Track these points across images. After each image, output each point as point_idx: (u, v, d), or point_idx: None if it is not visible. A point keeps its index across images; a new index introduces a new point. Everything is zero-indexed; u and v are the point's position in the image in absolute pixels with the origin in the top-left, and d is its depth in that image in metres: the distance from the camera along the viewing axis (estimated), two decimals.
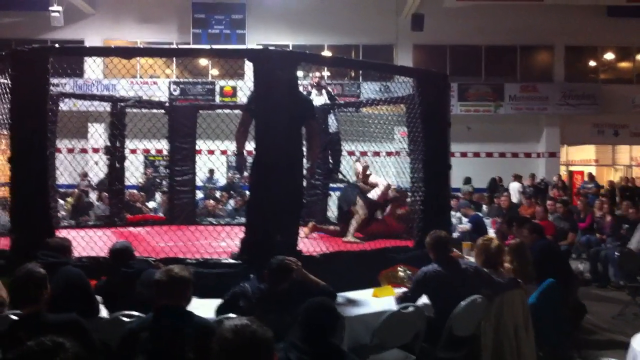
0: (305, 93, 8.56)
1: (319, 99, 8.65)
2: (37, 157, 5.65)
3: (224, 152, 16.23)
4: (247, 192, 14.23)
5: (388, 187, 8.01)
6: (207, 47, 7.18)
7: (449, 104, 7.31)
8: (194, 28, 19.73)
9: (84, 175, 14.24)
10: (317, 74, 8.85)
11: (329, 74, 19.04)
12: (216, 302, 4.58)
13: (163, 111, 9.59)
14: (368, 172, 8.24)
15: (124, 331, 3.60)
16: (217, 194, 14.65)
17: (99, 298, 4.80)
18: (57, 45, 6.22)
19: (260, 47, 6.01)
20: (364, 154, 8.75)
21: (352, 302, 5.35)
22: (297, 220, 5.94)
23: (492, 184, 18.79)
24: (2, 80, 6.54)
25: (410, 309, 4.92)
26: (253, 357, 2.27)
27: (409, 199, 7.74)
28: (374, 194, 7.96)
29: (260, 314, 3.91)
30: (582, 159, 23.22)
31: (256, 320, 2.45)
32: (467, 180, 18.56)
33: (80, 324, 3.61)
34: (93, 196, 14.30)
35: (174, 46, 18.38)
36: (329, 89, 9.09)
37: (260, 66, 5.69)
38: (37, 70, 5.70)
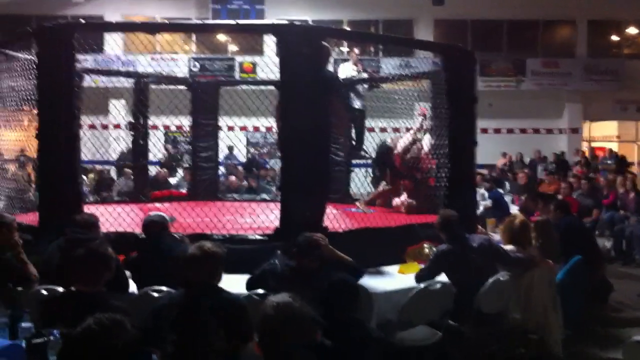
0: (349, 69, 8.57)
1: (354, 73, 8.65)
2: (65, 133, 5.66)
3: (243, 128, 16.24)
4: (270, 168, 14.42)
5: (413, 142, 7.90)
6: (234, 22, 7.12)
7: (475, 80, 7.24)
8: (213, 3, 19.62)
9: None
10: (356, 50, 8.79)
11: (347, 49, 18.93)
12: (241, 278, 4.59)
13: (185, 87, 9.58)
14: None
15: (155, 307, 3.62)
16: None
17: (127, 273, 4.85)
18: (82, 21, 6.22)
19: (285, 22, 5.95)
20: (383, 130, 8.69)
21: (378, 279, 5.34)
22: (324, 196, 5.93)
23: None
24: (26, 56, 6.56)
25: (438, 285, 4.92)
26: (296, 334, 2.27)
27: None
28: (400, 145, 7.94)
29: (289, 292, 3.92)
30: (604, 135, 22.94)
31: (298, 297, 2.46)
32: None
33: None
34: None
35: (194, 21, 18.34)
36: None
37: (285, 41, 5.64)
38: (63, 46, 5.69)
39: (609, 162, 18.41)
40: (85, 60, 14.71)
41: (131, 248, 5.32)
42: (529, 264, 5.22)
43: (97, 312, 2.48)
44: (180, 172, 13.29)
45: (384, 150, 8.03)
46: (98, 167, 13.94)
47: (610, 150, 19.80)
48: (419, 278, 5.09)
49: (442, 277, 5.08)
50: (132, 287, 4.70)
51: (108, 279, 3.75)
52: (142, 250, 4.86)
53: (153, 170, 11.79)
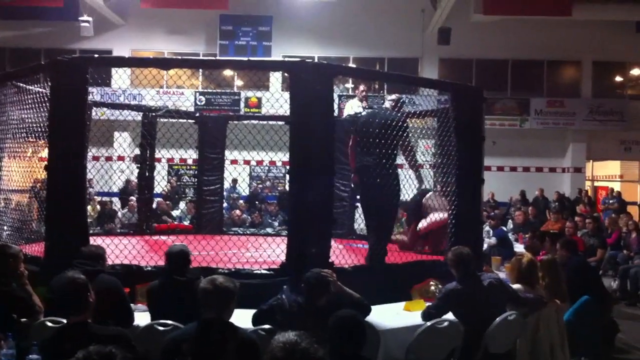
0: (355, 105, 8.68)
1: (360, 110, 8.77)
2: (75, 165, 5.67)
3: (246, 162, 16.25)
4: (272, 202, 14.41)
5: (439, 223, 7.68)
6: (245, 59, 7.25)
7: (483, 118, 7.28)
8: (221, 39, 19.85)
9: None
10: (362, 86, 8.89)
11: (352, 86, 19.08)
12: (245, 312, 4.56)
13: (193, 121, 9.64)
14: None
15: (167, 341, 3.60)
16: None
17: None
18: (96, 56, 6.29)
19: (297, 59, 6.03)
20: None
21: (383, 316, 5.30)
22: (330, 232, 5.93)
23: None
24: (37, 89, 6.61)
25: (446, 323, 4.88)
26: None
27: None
28: (423, 224, 7.91)
29: (297, 328, 3.89)
30: (606, 174, 22.97)
31: (306, 336, 2.44)
32: None
33: (128, 339, 3.58)
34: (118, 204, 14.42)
35: (201, 57, 18.54)
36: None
37: (297, 78, 5.71)
38: (77, 79, 5.74)
39: (610, 201, 18.36)
40: (93, 92, 14.95)
41: (137, 280, 5.33)
42: (538, 304, 5.18)
43: (90, 343, 2.49)
44: (182, 205, 13.30)
45: (418, 199, 8.01)
46: (99, 198, 13.95)
47: (612, 190, 19.77)
48: (426, 316, 5.05)
49: (449, 316, 5.04)
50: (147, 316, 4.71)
51: (93, 304, 3.69)
52: (164, 280, 4.81)
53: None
